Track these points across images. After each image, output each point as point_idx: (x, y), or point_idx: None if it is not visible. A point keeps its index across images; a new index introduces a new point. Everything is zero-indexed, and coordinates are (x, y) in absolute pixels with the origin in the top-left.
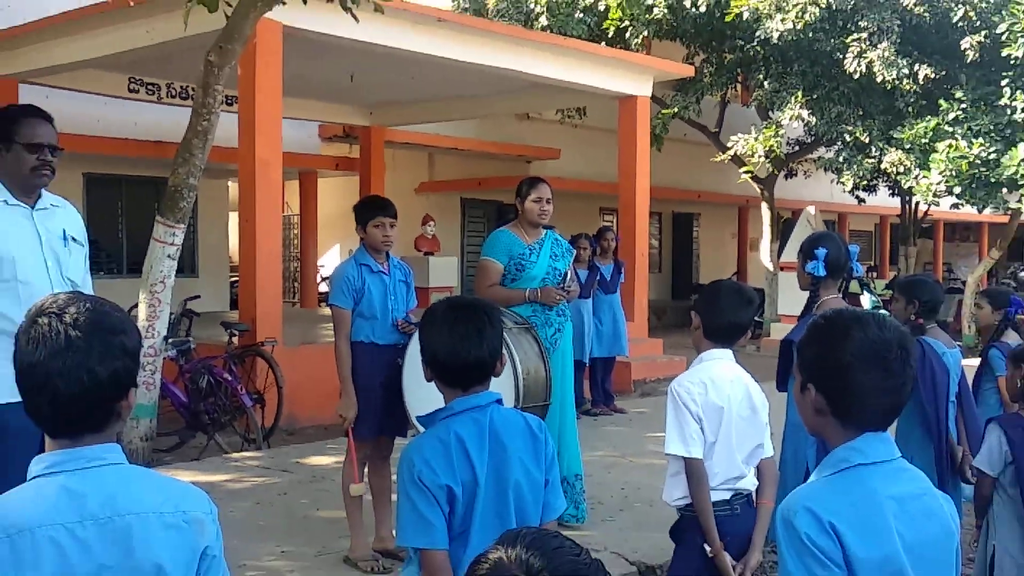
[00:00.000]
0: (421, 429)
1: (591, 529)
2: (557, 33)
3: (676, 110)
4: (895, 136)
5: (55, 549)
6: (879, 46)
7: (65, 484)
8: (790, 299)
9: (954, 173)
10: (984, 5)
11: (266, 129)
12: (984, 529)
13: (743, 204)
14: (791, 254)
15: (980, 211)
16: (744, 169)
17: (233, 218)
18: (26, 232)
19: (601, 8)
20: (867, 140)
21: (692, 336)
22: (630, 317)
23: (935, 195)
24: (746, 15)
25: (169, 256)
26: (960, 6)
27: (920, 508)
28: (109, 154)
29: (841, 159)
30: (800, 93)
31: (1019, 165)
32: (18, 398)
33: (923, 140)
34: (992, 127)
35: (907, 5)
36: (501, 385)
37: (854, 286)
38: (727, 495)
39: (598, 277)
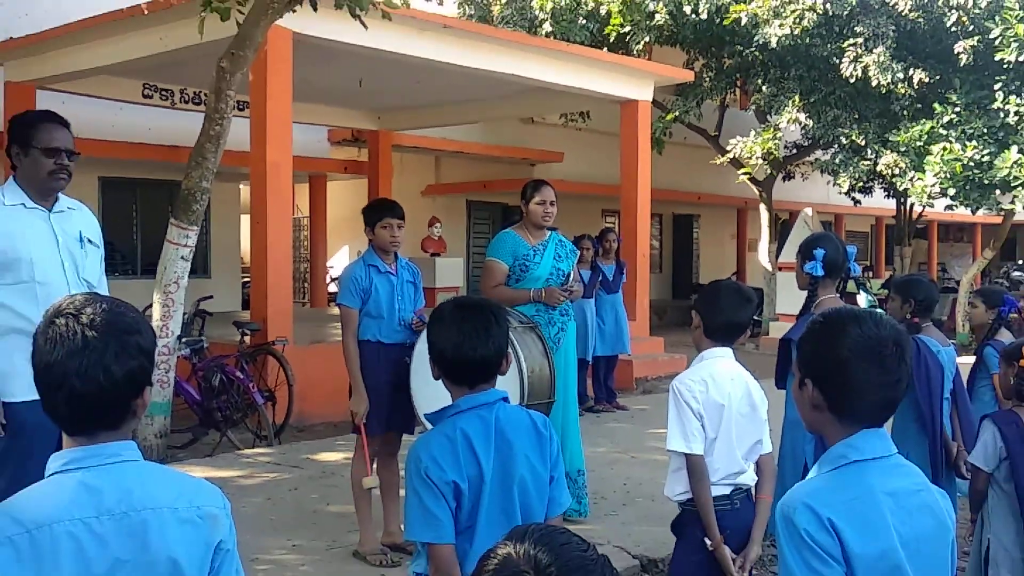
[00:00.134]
0: (429, 426)
1: (594, 523)
2: (560, 39)
3: (676, 114)
4: (890, 139)
5: (73, 544)
6: (874, 51)
7: (83, 480)
8: (788, 298)
9: (948, 175)
10: (977, 11)
11: (277, 133)
12: (979, 523)
13: (742, 206)
14: (789, 254)
15: (974, 212)
16: (742, 171)
17: (245, 220)
18: (44, 234)
19: (603, 13)
20: (863, 143)
21: (693, 335)
22: (632, 316)
23: (930, 197)
24: (744, 20)
25: (182, 257)
26: (953, 11)
27: (916, 503)
28: (124, 158)
29: (837, 161)
30: (797, 97)
31: (1012, 167)
32: (36, 396)
33: (918, 143)
34: (985, 130)
35: (902, 11)
36: (506, 383)
37: (851, 286)
38: (727, 490)
39: (600, 277)
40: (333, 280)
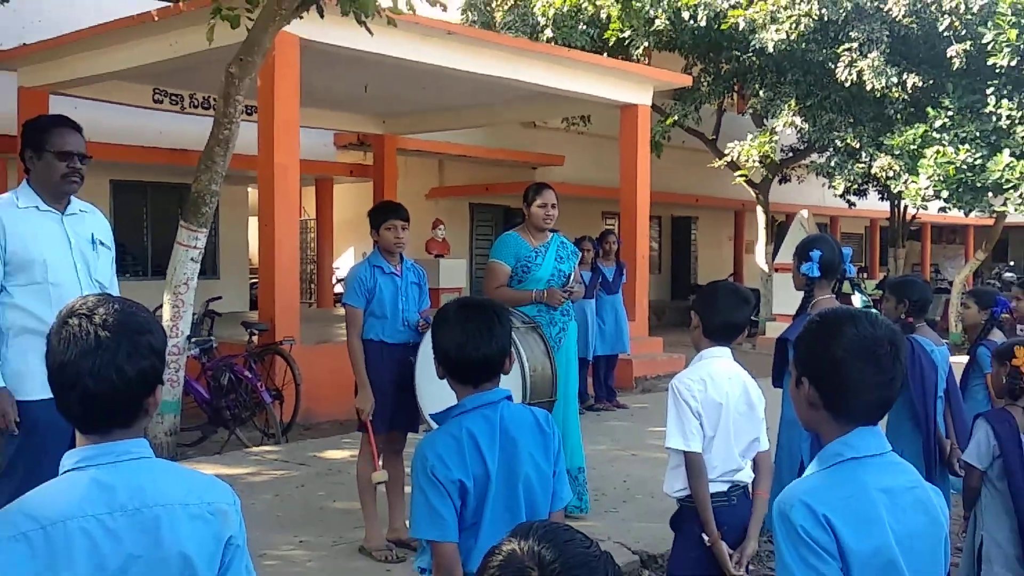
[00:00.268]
0: (434, 426)
1: (594, 520)
2: (561, 45)
3: (675, 118)
4: (885, 142)
5: (87, 540)
6: (869, 56)
7: (96, 477)
8: (784, 299)
9: (942, 178)
10: (969, 16)
11: (284, 137)
12: (972, 520)
13: (739, 208)
14: (785, 256)
15: (967, 214)
16: (739, 173)
17: (253, 222)
18: (56, 236)
19: (603, 18)
20: (858, 146)
21: (692, 335)
22: (631, 316)
23: (924, 199)
24: (742, 26)
25: (192, 259)
26: (946, 16)
27: (910, 500)
28: (135, 162)
29: (833, 164)
30: (793, 101)
31: (1004, 170)
32: (49, 395)
33: (912, 146)
34: (978, 134)
35: (896, 16)
36: (509, 382)
37: (846, 286)
38: (725, 487)
39: (601, 278)
40: (339, 281)
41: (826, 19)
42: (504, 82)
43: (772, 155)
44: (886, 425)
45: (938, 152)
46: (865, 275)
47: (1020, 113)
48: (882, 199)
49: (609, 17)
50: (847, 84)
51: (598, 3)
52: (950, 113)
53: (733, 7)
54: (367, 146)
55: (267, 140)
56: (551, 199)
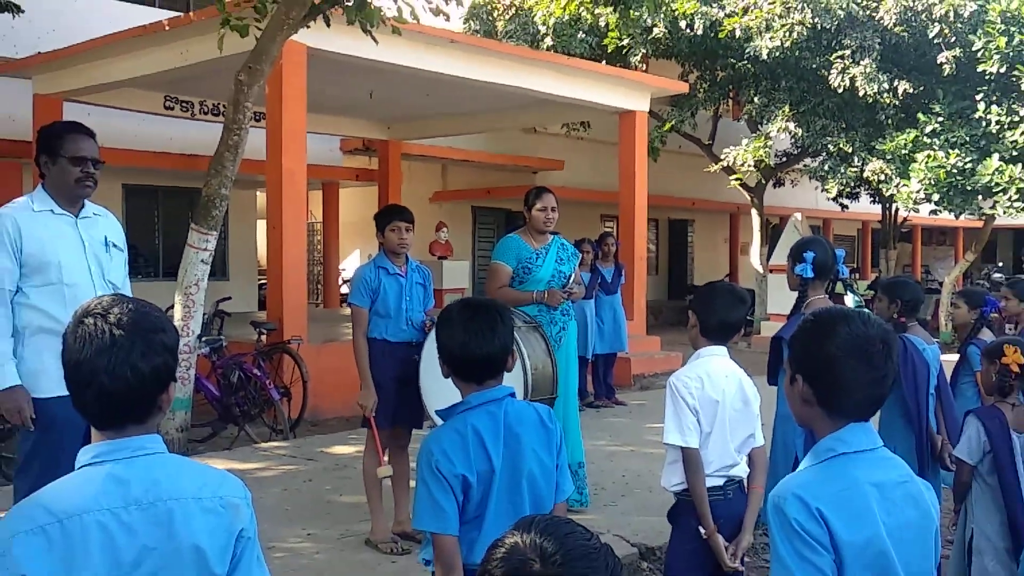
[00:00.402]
0: (440, 422)
1: (594, 513)
2: (561, 52)
3: (672, 124)
4: (876, 147)
5: (103, 533)
6: (861, 63)
7: (111, 472)
8: (779, 299)
9: (933, 181)
10: (959, 25)
11: (292, 143)
12: (962, 514)
13: (734, 211)
14: (779, 257)
15: (957, 217)
16: (734, 177)
17: (261, 225)
18: (71, 239)
19: (602, 27)
20: (850, 151)
21: (689, 334)
22: (630, 316)
23: (915, 202)
24: (738, 33)
25: (202, 261)
26: (936, 24)
27: (901, 494)
28: (146, 167)
29: (826, 168)
30: (787, 107)
31: (993, 174)
32: (64, 392)
33: (903, 151)
34: (968, 138)
35: (887, 24)
36: (511, 380)
37: (839, 287)
38: (720, 481)
39: (600, 279)
40: (345, 282)
41: (819, 27)
42: (506, 89)
43: (767, 160)
44: (879, 422)
45: (929, 156)
46: (857, 276)
47: (1009, 118)
48: (874, 202)
49: (608, 26)
50: (840, 90)
51: (597, 12)
52: (940, 119)
53: (729, 16)
54: (372, 151)
55: (275, 145)
56: (551, 202)
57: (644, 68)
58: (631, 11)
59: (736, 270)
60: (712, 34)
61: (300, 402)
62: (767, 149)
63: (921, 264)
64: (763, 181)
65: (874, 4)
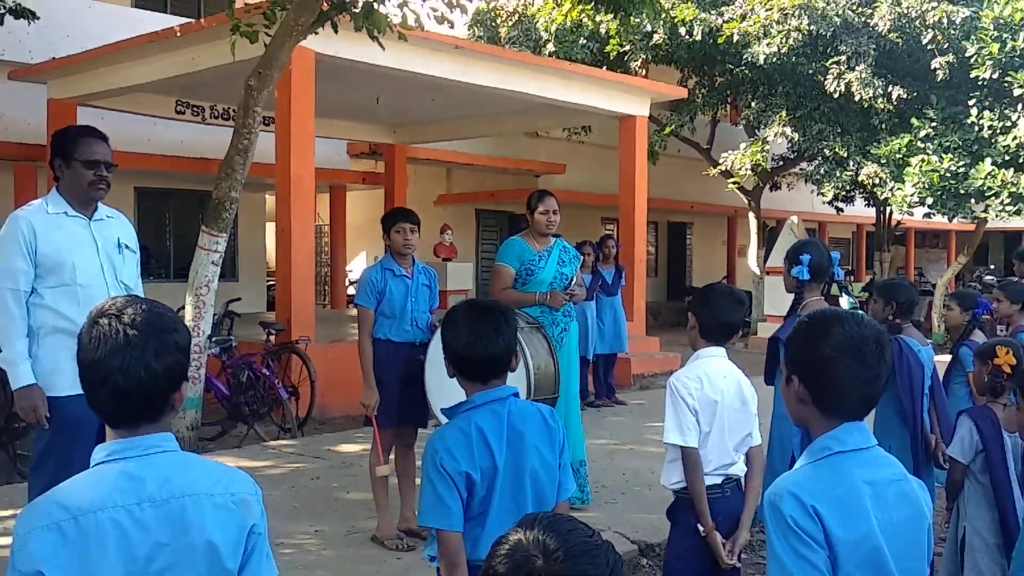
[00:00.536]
0: (444, 421)
1: (595, 511)
2: (563, 58)
3: (671, 128)
4: (871, 151)
5: (117, 529)
6: (856, 68)
7: (125, 469)
8: (775, 301)
9: (926, 185)
10: (952, 31)
11: (300, 147)
12: (955, 512)
13: (732, 214)
14: (776, 259)
15: (950, 220)
16: (732, 181)
17: (270, 228)
18: (84, 241)
19: (603, 33)
20: (845, 155)
21: (688, 335)
22: (630, 317)
23: (909, 205)
24: (736, 39)
25: (213, 262)
26: (929, 30)
27: (894, 492)
28: (158, 170)
29: (822, 172)
30: (784, 112)
31: (986, 178)
32: (78, 391)
33: (897, 155)
34: (961, 143)
35: (882, 31)
36: (514, 380)
37: (834, 289)
38: (719, 480)
39: (600, 281)
40: (352, 283)
41: (815, 34)
42: (508, 94)
43: (764, 164)
44: (875, 421)
45: (923, 161)
46: (852, 278)
47: (1001, 123)
48: (868, 205)
49: (608, 32)
50: (835, 96)
51: (598, 19)
52: (934, 123)
53: (727, 22)
54: (379, 155)
55: (284, 149)
56: (553, 206)
57: (644, 74)
58: (631, 18)
59: (734, 272)
60: (711, 40)
61: (308, 401)
62: (764, 153)
63: (915, 266)
64: (760, 185)
65: (869, 11)
